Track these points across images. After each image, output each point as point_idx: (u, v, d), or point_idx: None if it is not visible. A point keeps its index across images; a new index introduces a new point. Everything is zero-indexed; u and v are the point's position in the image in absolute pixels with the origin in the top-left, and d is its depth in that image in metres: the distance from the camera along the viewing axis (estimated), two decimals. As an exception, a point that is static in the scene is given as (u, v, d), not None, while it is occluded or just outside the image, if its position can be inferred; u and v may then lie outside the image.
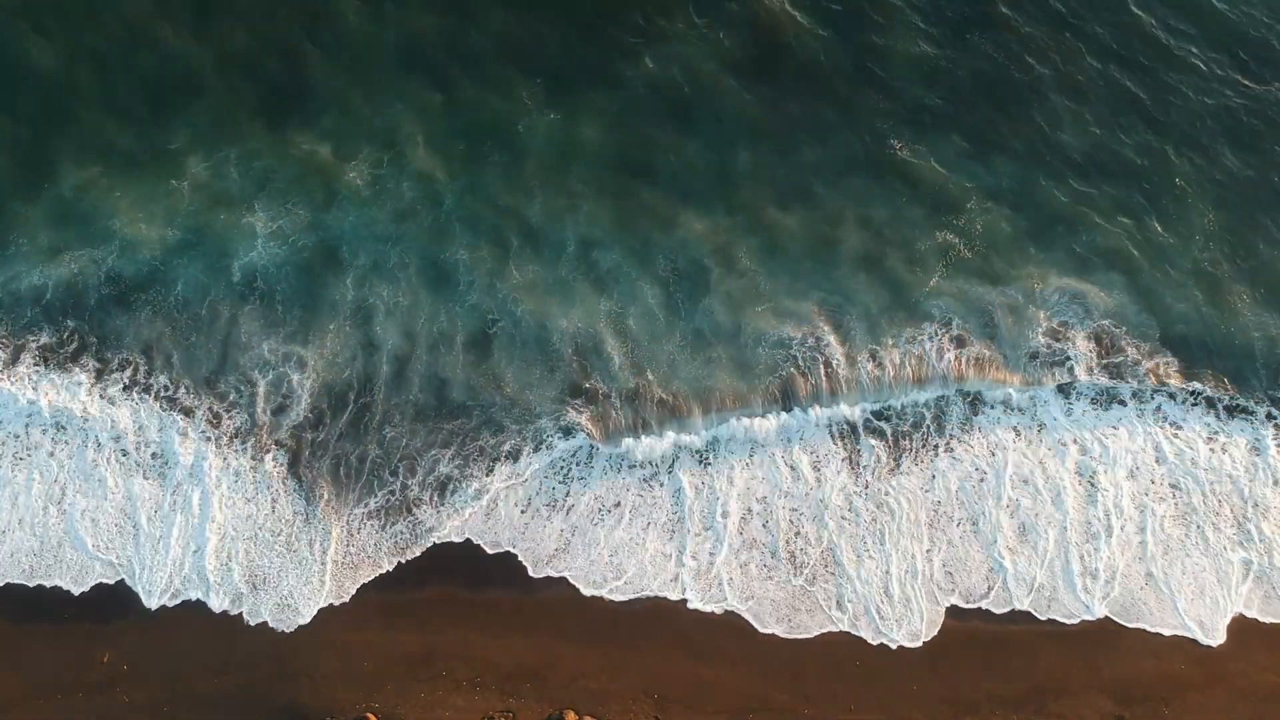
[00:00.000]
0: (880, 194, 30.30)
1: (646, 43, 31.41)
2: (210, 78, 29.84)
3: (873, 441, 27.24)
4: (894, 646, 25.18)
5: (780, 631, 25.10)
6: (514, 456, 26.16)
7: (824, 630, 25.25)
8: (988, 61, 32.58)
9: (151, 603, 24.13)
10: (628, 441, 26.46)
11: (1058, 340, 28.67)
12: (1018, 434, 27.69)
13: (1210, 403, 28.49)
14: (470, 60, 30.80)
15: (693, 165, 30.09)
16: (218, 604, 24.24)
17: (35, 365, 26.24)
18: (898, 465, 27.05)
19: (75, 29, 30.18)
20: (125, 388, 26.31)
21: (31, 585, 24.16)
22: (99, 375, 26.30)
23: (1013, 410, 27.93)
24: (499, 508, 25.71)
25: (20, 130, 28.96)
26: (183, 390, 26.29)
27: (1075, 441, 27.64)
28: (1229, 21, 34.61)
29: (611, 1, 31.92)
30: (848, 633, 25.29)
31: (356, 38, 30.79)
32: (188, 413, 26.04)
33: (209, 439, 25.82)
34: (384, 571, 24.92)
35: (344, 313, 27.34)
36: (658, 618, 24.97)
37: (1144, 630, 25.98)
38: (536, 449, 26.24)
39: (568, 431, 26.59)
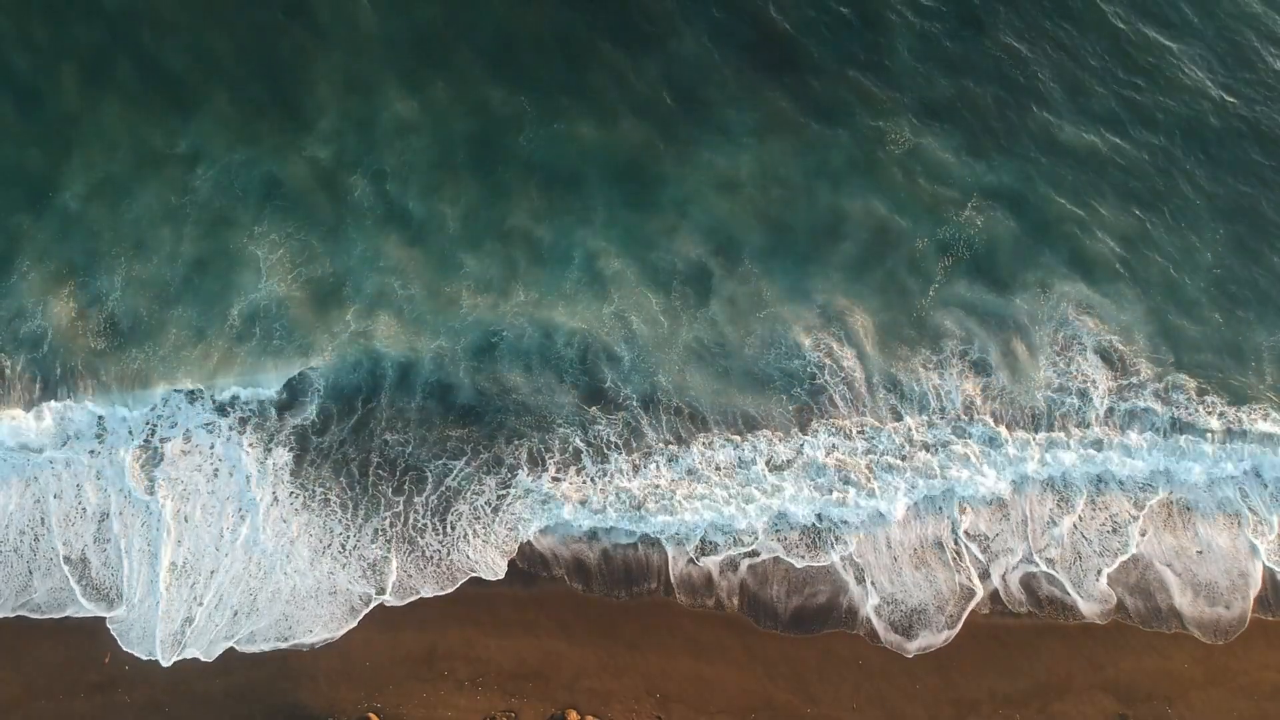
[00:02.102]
0: (885, 196, 30.39)
1: (646, 45, 31.52)
2: (207, 86, 29.64)
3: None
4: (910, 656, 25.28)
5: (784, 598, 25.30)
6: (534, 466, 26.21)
7: (827, 629, 25.34)
8: (992, 62, 32.95)
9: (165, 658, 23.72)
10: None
11: (1070, 362, 28.78)
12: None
13: (1223, 415, 28.72)
14: (470, 66, 30.84)
15: (694, 168, 30.13)
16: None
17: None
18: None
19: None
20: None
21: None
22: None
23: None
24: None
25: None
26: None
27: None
28: (1237, 22, 35.13)
29: (609, 4, 32.07)
30: (850, 633, 25.28)
31: (354, 45, 30.82)
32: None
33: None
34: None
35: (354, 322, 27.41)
36: (660, 617, 24.95)
37: (1145, 628, 26.04)
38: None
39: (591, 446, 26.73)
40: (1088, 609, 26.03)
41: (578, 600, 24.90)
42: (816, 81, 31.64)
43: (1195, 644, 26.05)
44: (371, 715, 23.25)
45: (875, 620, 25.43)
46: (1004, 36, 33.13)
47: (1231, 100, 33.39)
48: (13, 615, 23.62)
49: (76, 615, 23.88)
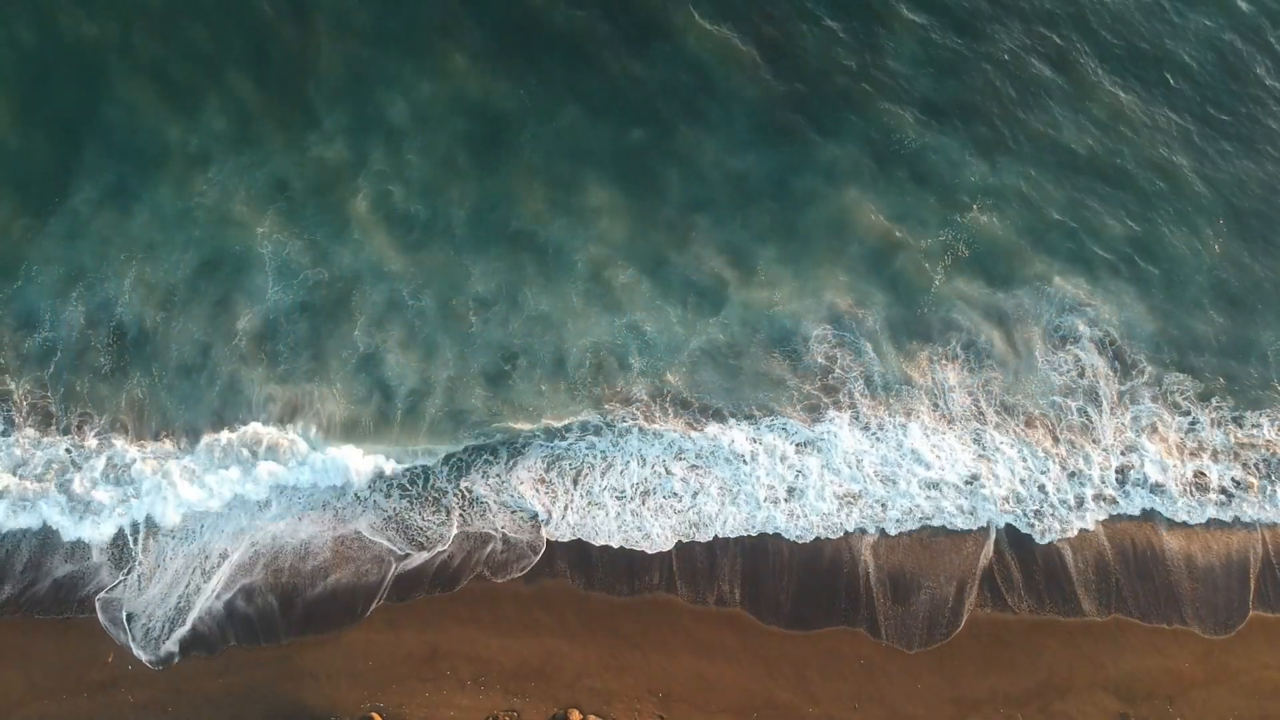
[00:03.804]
0: (890, 196, 30.63)
1: (652, 43, 31.65)
2: (209, 83, 29.59)
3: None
4: (912, 653, 25.40)
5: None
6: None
7: (829, 626, 25.43)
8: (995, 61, 33.29)
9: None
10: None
11: (1071, 363, 29.11)
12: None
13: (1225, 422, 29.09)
14: (472, 65, 30.83)
15: (700, 169, 30.26)
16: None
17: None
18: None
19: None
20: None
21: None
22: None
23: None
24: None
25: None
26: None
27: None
28: (1244, 18, 35.61)
29: (607, 6, 32.04)
30: (851, 630, 25.36)
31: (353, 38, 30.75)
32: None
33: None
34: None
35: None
36: (661, 615, 24.99)
37: (1147, 626, 26.14)
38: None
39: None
40: (1076, 563, 26.29)
41: (579, 599, 24.96)
42: (819, 84, 31.94)
43: (1196, 642, 26.16)
44: (374, 715, 23.27)
45: (874, 576, 25.70)
46: (1005, 38, 33.51)
47: (1232, 97, 33.92)
48: (17, 614, 23.73)
49: (79, 615, 23.92)
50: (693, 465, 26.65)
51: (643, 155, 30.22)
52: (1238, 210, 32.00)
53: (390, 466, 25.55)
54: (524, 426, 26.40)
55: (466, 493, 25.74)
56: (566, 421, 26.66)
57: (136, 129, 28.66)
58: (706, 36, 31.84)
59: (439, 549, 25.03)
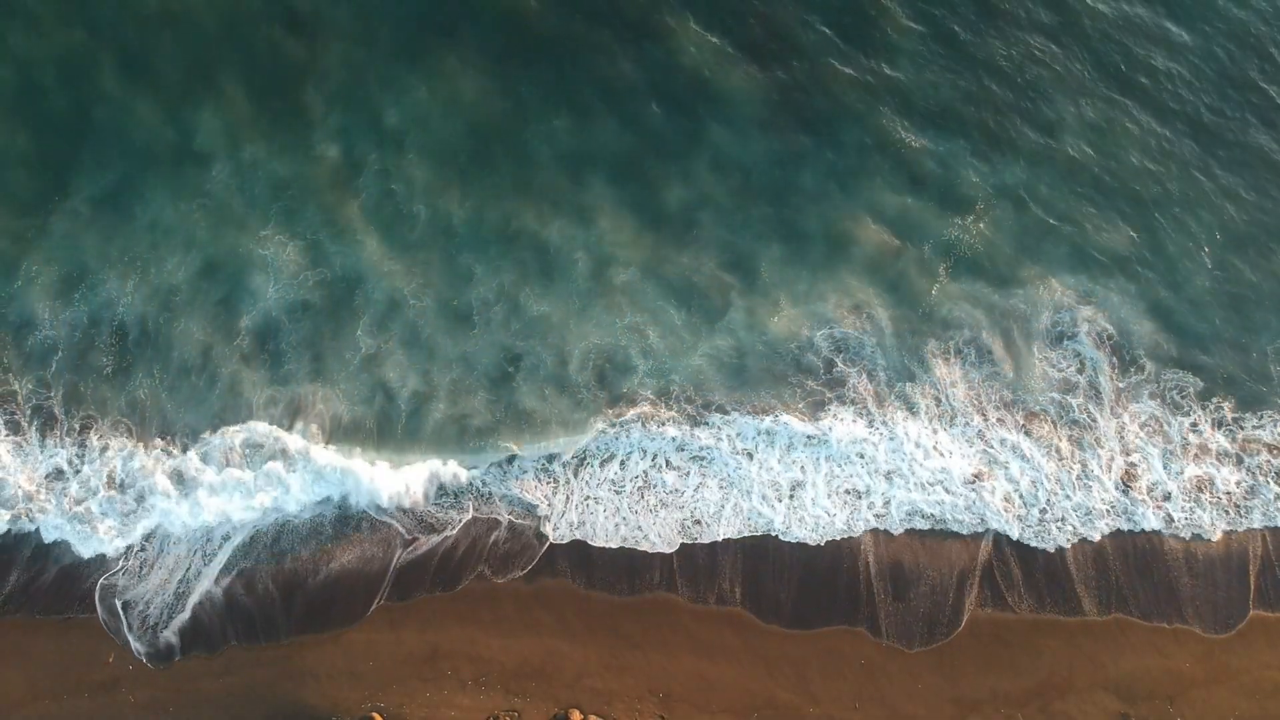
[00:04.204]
0: (891, 197, 30.66)
1: (651, 43, 31.76)
2: (209, 85, 29.63)
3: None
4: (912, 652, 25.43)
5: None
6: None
7: (830, 625, 25.45)
8: (996, 63, 33.43)
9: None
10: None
11: (1070, 363, 29.18)
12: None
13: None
14: (472, 63, 30.92)
15: (701, 171, 30.32)
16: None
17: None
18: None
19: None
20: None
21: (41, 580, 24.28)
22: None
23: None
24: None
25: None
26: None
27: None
28: (1245, 21, 35.78)
29: (614, 2, 32.27)
30: (852, 630, 25.37)
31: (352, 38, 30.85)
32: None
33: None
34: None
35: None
36: (662, 615, 25.00)
37: (1147, 625, 26.15)
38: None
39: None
40: (1076, 561, 26.56)
41: (579, 598, 24.97)
42: (822, 86, 32.00)
43: (1197, 642, 26.16)
44: (375, 715, 23.27)
45: (875, 575, 25.79)
46: (1003, 43, 33.63)
47: (1231, 101, 34.02)
48: (18, 613, 23.74)
49: (80, 615, 23.93)
50: (695, 457, 26.74)
51: (644, 158, 30.29)
52: (1236, 212, 32.05)
53: (394, 484, 25.48)
54: (528, 452, 26.41)
55: (471, 481, 25.88)
56: (577, 446, 26.59)
57: (137, 130, 28.77)
58: (704, 42, 31.96)
59: (447, 533, 25.13)
